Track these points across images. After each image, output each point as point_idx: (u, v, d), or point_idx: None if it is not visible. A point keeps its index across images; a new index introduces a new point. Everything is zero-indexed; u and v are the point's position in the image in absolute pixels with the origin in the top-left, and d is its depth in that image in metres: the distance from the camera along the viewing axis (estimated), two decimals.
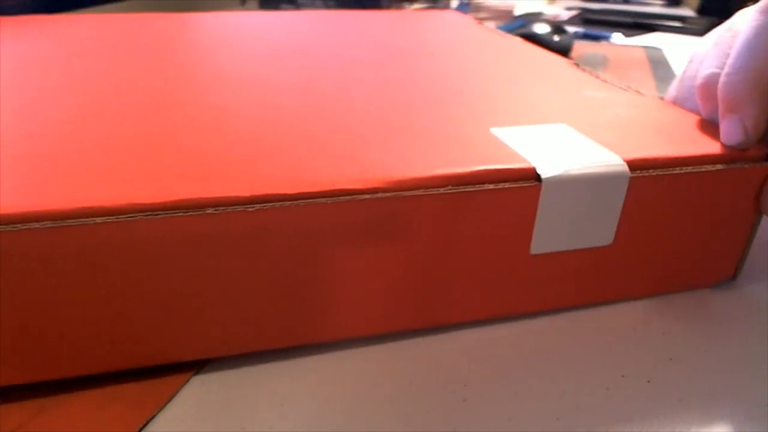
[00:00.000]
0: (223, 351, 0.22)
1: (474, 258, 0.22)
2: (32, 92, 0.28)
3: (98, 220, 0.17)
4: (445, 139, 0.23)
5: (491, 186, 0.20)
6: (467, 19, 0.50)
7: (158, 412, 0.20)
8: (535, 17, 0.78)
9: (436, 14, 0.53)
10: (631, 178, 0.22)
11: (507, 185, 0.21)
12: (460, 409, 0.21)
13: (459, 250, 0.22)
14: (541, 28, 0.65)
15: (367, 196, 0.19)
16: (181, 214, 0.18)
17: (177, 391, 0.21)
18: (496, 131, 0.24)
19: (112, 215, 0.17)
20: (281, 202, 0.19)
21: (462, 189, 0.20)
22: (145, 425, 0.20)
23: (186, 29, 0.44)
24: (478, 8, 0.85)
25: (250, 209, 0.18)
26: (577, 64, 0.35)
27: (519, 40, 0.42)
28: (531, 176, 0.21)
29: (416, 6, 0.84)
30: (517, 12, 0.84)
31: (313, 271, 0.20)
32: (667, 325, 0.25)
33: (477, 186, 0.20)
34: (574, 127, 0.25)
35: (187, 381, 0.22)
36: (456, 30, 0.46)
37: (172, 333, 0.20)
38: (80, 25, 0.45)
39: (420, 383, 0.22)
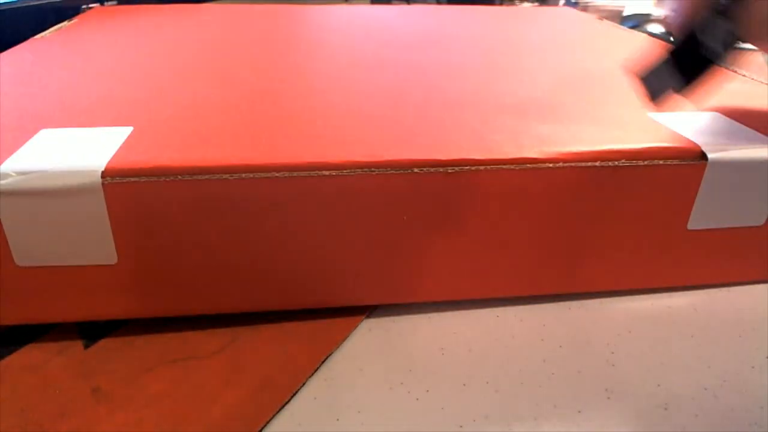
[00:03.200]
0: (385, 299, 0.25)
1: (634, 229, 0.24)
2: (207, 73, 0.31)
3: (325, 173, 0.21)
4: (610, 121, 0.25)
5: (660, 162, 0.22)
6: (586, 16, 0.51)
7: (335, 350, 0.23)
8: (645, 18, 0.77)
9: (555, 11, 0.54)
10: None
11: (675, 162, 0.22)
12: (609, 373, 0.22)
13: (619, 220, 0.23)
14: (655, 29, 0.65)
15: (549, 165, 0.22)
16: (392, 171, 0.21)
17: (349, 334, 0.24)
18: (654, 116, 0.26)
19: (335, 170, 0.21)
20: (476, 167, 0.21)
21: (633, 163, 0.22)
22: (324, 360, 0.23)
23: (306, 20, 0.47)
24: (585, 8, 0.84)
25: (450, 171, 0.21)
26: None
27: (645, 36, 0.43)
28: (697, 155, 0.23)
29: (526, 4, 0.85)
30: (626, 13, 0.82)
31: (478, 231, 0.23)
32: None
33: (646, 161, 0.22)
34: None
35: (358, 325, 0.24)
36: (578, 26, 0.47)
37: (344, 279, 0.23)
38: (209, 13, 0.49)
39: (569, 347, 0.23)
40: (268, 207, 0.21)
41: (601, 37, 0.42)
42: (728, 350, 0.23)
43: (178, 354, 0.23)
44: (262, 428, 0.20)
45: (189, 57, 0.34)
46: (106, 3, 0.56)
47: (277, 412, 0.20)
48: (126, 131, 0.23)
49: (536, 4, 0.84)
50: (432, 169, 0.21)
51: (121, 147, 0.21)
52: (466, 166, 0.21)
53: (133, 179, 0.20)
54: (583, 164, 0.22)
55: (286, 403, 0.21)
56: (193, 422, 0.20)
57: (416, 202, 0.22)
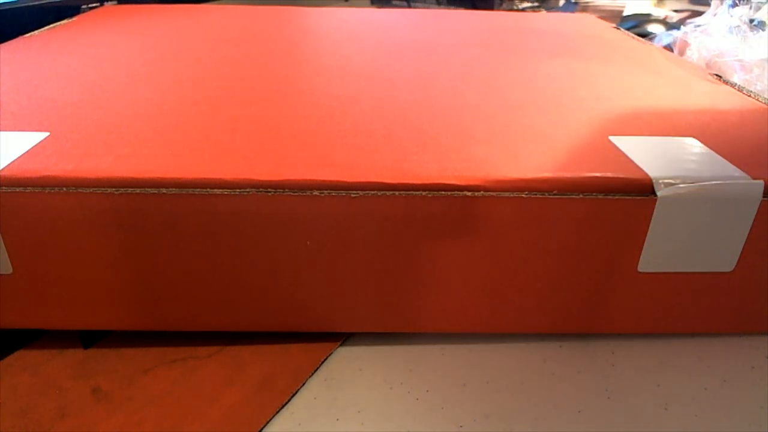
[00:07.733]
0: (318, 328, 0.23)
1: (571, 268, 0.21)
2: (167, 76, 0.30)
3: (216, 191, 0.19)
4: (557, 143, 0.23)
5: (600, 195, 0.20)
6: (602, 23, 0.49)
7: (335, 350, 0.23)
8: (645, 18, 0.77)
9: (571, 17, 0.52)
10: (763, 201, 0.20)
11: (617, 196, 0.20)
12: (609, 373, 0.22)
13: (556, 257, 0.21)
14: (656, 29, 0.65)
15: (468, 193, 0.20)
16: (288, 193, 0.19)
17: (349, 334, 0.24)
18: (614, 139, 0.23)
19: (227, 188, 0.19)
20: (383, 192, 0.20)
21: (568, 196, 0.20)
22: (324, 360, 0.23)
23: (304, 22, 0.46)
24: (585, 8, 0.84)
25: (353, 195, 0.19)
26: (718, 77, 0.33)
27: (657, 47, 0.41)
28: (646, 189, 0.20)
29: (525, 5, 0.85)
30: (626, 13, 0.82)
31: (407, 260, 0.21)
32: None
33: (584, 194, 0.20)
34: (705, 143, 0.23)
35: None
36: (589, 33, 0.45)
37: (254, 304, 0.22)
38: (206, 15, 0.48)
39: (569, 347, 0.24)
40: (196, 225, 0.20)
41: (608, 47, 0.40)
42: (728, 350, 0.23)
43: (177, 354, 0.23)
44: (262, 428, 0.20)
45: (169, 60, 0.33)
46: (106, 3, 0.56)
47: (277, 412, 0.20)
48: (37, 137, 0.22)
49: (535, 7, 0.84)
50: (334, 192, 0.20)
51: (24, 154, 0.20)
52: (373, 190, 0.20)
53: (18, 189, 0.19)
54: (508, 194, 0.20)
55: (286, 403, 0.21)
56: (193, 422, 0.20)
57: (319, 227, 0.20)
